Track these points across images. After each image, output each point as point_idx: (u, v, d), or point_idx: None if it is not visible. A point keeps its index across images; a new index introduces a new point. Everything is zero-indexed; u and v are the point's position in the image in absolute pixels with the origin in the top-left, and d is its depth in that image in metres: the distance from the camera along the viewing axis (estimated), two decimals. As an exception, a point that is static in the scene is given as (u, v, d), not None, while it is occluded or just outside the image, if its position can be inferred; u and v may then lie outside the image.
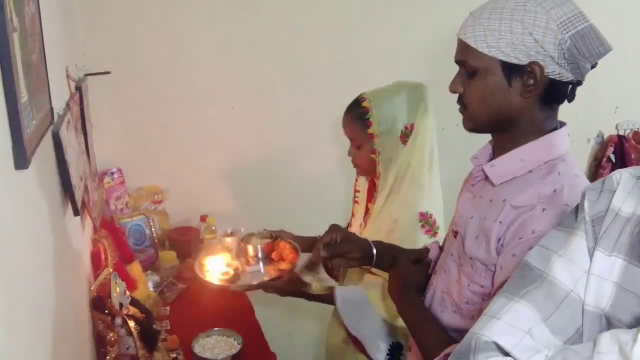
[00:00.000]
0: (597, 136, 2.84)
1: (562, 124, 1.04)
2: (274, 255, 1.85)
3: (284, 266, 1.80)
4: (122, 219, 2.11)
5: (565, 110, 2.77)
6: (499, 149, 1.05)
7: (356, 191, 1.76)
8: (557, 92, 0.98)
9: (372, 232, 1.59)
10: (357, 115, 1.55)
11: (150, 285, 1.97)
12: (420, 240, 1.50)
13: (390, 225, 1.54)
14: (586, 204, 0.73)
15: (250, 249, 1.85)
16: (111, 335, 1.51)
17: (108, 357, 1.48)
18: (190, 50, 2.20)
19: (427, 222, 1.53)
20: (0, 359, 0.69)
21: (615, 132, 2.81)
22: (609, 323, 0.67)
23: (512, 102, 0.97)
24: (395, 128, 1.53)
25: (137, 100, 2.21)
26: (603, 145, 2.84)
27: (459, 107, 1.06)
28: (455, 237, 1.11)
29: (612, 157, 2.80)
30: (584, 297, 0.69)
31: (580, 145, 2.83)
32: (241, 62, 2.26)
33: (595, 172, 2.85)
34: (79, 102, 1.69)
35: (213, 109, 2.29)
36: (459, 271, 1.08)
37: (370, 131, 1.53)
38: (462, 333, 1.05)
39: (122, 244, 1.87)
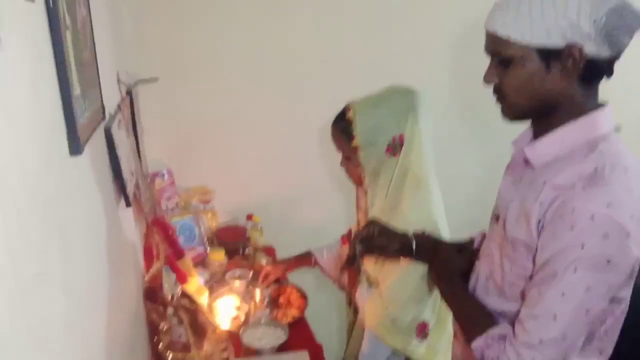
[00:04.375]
0: None
1: (605, 103, 1.01)
2: (281, 300, 1.89)
3: (292, 311, 1.84)
4: (172, 217, 2.20)
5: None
6: (540, 132, 1.03)
7: (358, 197, 1.69)
8: (597, 70, 0.95)
9: None
10: (341, 127, 1.49)
11: (201, 280, 2.04)
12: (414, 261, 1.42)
13: None
14: None
15: (258, 294, 1.89)
16: (163, 324, 1.59)
17: (161, 344, 1.56)
18: (232, 54, 2.27)
19: None
20: (61, 324, 0.76)
21: None
22: None
23: (551, 86, 0.96)
24: (381, 140, 1.45)
25: (184, 105, 2.30)
26: None
27: (495, 97, 1.04)
28: (497, 221, 1.11)
29: None
30: None
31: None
32: (283, 61, 2.31)
33: None
34: (130, 105, 1.80)
35: (256, 110, 2.35)
36: (500, 254, 1.07)
37: (354, 144, 1.47)
38: (507, 316, 1.06)
39: (173, 240, 1.94)
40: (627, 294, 0.99)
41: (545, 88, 0.96)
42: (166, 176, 2.28)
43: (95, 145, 1.10)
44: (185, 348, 1.62)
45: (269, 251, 2.32)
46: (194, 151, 2.36)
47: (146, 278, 1.61)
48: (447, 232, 1.52)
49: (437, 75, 2.38)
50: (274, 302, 1.91)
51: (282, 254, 2.26)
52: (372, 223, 1.35)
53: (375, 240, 1.31)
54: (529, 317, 0.96)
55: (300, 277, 2.06)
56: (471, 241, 1.36)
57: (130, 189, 1.36)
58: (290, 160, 2.43)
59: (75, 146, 0.88)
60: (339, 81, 2.24)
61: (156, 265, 1.63)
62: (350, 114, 1.46)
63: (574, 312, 0.92)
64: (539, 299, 0.94)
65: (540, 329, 0.94)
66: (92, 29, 1.14)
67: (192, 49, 2.24)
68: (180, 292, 1.75)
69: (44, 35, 0.82)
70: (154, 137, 2.28)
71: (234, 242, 2.31)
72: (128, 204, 1.32)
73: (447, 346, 1.52)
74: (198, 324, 1.68)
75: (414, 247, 1.30)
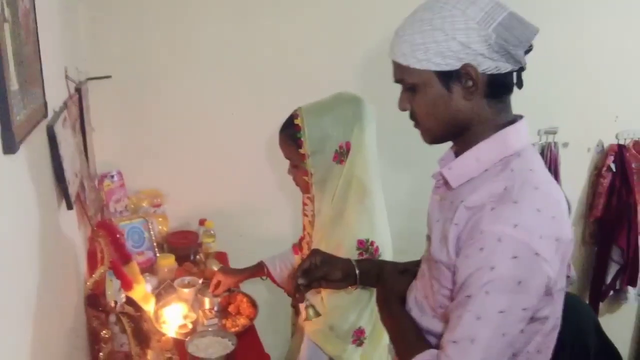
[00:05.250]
0: (597, 145, 2.83)
1: (519, 117, 1.02)
2: (230, 309, 1.86)
3: (242, 320, 1.81)
4: (121, 221, 2.14)
5: (567, 119, 2.77)
6: (459, 151, 1.05)
7: (304, 204, 1.69)
8: (501, 85, 0.98)
9: None
10: (289, 134, 1.49)
11: (148, 287, 1.98)
12: None
13: (334, 250, 1.44)
14: None
15: (207, 302, 1.85)
16: (105, 332, 1.53)
17: (101, 354, 1.50)
18: (190, 55, 2.23)
19: (366, 249, 1.46)
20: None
21: (615, 141, 2.81)
22: None
23: (458, 107, 0.98)
24: (328, 147, 1.45)
25: (138, 105, 2.25)
26: (603, 154, 2.84)
27: (413, 123, 1.07)
28: (427, 240, 1.12)
29: (612, 166, 2.79)
30: None
31: (580, 154, 2.83)
32: (241, 67, 2.29)
33: (596, 181, 2.85)
34: (78, 103, 1.73)
35: (213, 114, 2.32)
36: (430, 275, 1.07)
37: (301, 151, 1.46)
38: (440, 337, 1.03)
39: (119, 245, 1.88)
40: (550, 312, 0.99)
41: (452, 110, 0.98)
42: (116, 177, 2.22)
43: (35, 143, 1.05)
44: (128, 357, 1.56)
45: (221, 257, 2.28)
46: (146, 153, 2.30)
47: (88, 284, 1.54)
48: (390, 242, 1.53)
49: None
50: (223, 311, 1.88)
51: (234, 259, 2.22)
52: (314, 253, 1.32)
53: (317, 271, 1.28)
54: (449, 342, 0.94)
55: (251, 285, 2.03)
56: (418, 262, 1.36)
57: (72, 190, 1.30)
58: (244, 165, 2.40)
59: (10, 144, 0.83)
60: (297, 88, 2.22)
61: (99, 271, 1.56)
62: (298, 121, 1.46)
63: (490, 335, 0.91)
64: (457, 323, 0.93)
65: (460, 354, 0.92)
66: (36, 23, 1.08)
67: (148, 49, 2.19)
68: (125, 298, 1.69)
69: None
70: (105, 137, 2.20)
71: (185, 247, 2.26)
72: (69, 207, 1.26)
73: (381, 357, 1.52)
74: (142, 333, 1.63)
75: (357, 274, 1.29)
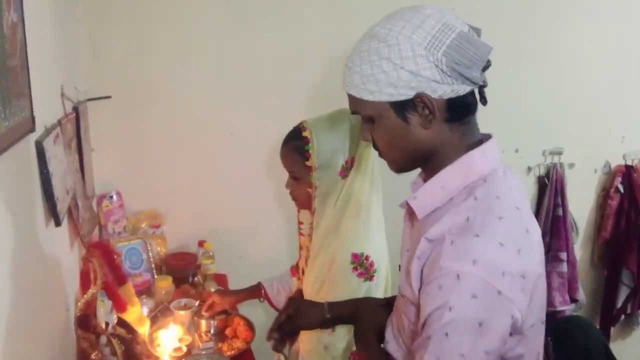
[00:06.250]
0: (604, 166, 2.78)
1: (487, 137, 0.96)
2: (227, 332, 1.83)
3: (238, 343, 1.78)
4: (119, 242, 2.11)
5: (573, 140, 2.72)
6: (428, 177, 0.99)
7: (300, 223, 1.66)
8: (461, 107, 0.92)
9: (315, 273, 1.50)
10: (296, 146, 1.45)
11: (144, 309, 1.95)
12: (351, 284, 1.41)
13: (328, 264, 1.45)
14: None
15: (203, 324, 1.83)
16: (95, 354, 1.49)
17: (90, 376, 1.46)
18: (189, 76, 2.24)
19: (360, 264, 1.42)
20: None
21: (622, 162, 2.76)
22: None
23: (417, 136, 0.92)
24: (335, 162, 1.44)
25: (138, 125, 2.24)
26: (610, 175, 2.78)
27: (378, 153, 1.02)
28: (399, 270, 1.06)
29: (620, 188, 2.73)
30: None
31: (587, 175, 2.78)
32: (240, 88, 2.28)
33: (604, 202, 2.79)
34: (75, 122, 1.73)
35: (212, 135, 2.31)
36: (401, 309, 1.00)
37: (308, 163, 1.43)
38: None
39: (115, 266, 1.85)
40: (525, 349, 0.90)
41: (412, 140, 0.93)
42: (115, 198, 2.20)
43: (18, 157, 1.03)
44: (118, 380, 1.52)
45: (221, 278, 2.25)
46: (146, 174, 2.29)
47: (79, 304, 1.51)
48: (387, 259, 1.50)
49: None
50: (220, 334, 1.84)
51: (234, 281, 2.19)
52: (289, 303, 1.30)
53: (293, 322, 1.27)
54: None
55: (249, 308, 1.99)
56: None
57: (62, 207, 1.28)
58: (244, 187, 2.38)
59: (-14, 156, 0.81)
60: (296, 108, 2.21)
61: (91, 291, 1.53)
62: (306, 133, 1.43)
63: None
64: None
65: None
66: (25, 37, 1.08)
67: (148, 71, 2.20)
68: (117, 320, 1.65)
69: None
70: (105, 158, 2.20)
71: (183, 268, 2.23)
72: (57, 224, 1.24)
73: None
74: (133, 355, 1.59)
75: (328, 319, 1.26)
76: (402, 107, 0.90)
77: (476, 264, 0.81)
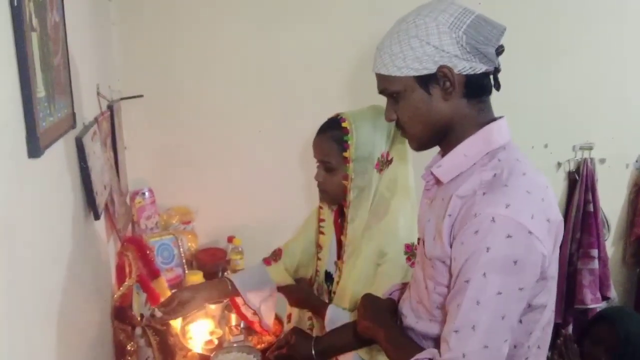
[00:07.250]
0: (636, 161, 2.74)
1: (500, 117, 1.06)
2: (256, 326, 1.81)
3: (267, 337, 1.79)
4: (151, 237, 2.16)
5: (604, 135, 2.68)
6: (446, 154, 1.08)
7: (320, 220, 1.64)
8: (477, 86, 1.02)
9: (358, 269, 1.47)
10: (334, 136, 1.44)
11: (176, 303, 1.99)
12: (407, 274, 1.41)
13: (377, 259, 1.44)
14: None
15: (234, 318, 1.84)
16: (130, 344, 1.54)
17: (126, 366, 1.50)
18: (218, 75, 2.27)
19: (412, 253, 1.42)
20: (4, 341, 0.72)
21: (655, 156, 2.71)
22: None
23: (439, 109, 1.02)
24: (373, 155, 1.43)
25: (169, 124, 2.29)
26: (643, 170, 2.74)
27: (399, 132, 1.12)
28: (420, 244, 1.14)
29: (654, 183, 2.69)
30: None
31: (618, 171, 2.73)
32: (267, 87, 2.32)
33: (635, 198, 2.74)
34: (110, 120, 1.78)
35: (240, 133, 2.34)
36: (424, 275, 1.08)
37: (345, 154, 1.42)
38: (438, 340, 1.04)
39: (148, 260, 1.90)
40: (546, 300, 1.01)
41: (434, 112, 1.03)
42: (147, 195, 2.25)
43: (61, 152, 1.08)
44: (153, 371, 1.56)
45: (249, 274, 2.27)
46: (177, 171, 2.34)
47: (115, 296, 1.56)
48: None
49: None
50: (249, 328, 1.86)
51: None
52: (289, 334, 1.40)
53: (288, 351, 1.38)
54: (450, 332, 0.95)
55: (277, 303, 2.01)
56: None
57: (100, 201, 1.33)
58: (273, 183, 2.41)
59: (34, 149, 0.85)
60: (321, 109, 2.22)
61: (126, 284, 1.58)
62: (346, 124, 1.43)
63: (490, 319, 0.92)
64: (457, 312, 0.95)
65: (461, 343, 0.93)
66: (65, 36, 1.12)
67: (179, 69, 2.24)
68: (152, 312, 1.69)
69: (6, 34, 0.80)
70: (137, 155, 2.26)
71: (213, 264, 2.27)
72: (97, 217, 1.28)
73: None
74: (167, 346, 1.63)
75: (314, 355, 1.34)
76: (426, 81, 1.01)
77: (508, 207, 0.91)
